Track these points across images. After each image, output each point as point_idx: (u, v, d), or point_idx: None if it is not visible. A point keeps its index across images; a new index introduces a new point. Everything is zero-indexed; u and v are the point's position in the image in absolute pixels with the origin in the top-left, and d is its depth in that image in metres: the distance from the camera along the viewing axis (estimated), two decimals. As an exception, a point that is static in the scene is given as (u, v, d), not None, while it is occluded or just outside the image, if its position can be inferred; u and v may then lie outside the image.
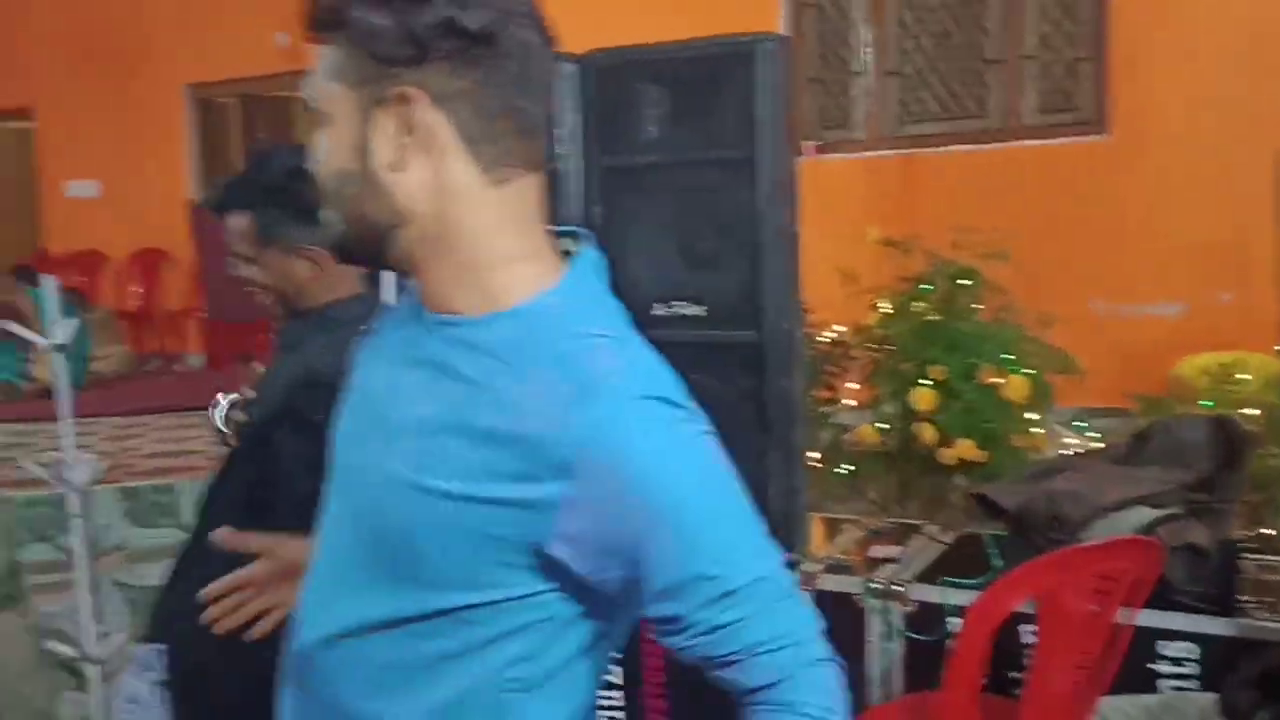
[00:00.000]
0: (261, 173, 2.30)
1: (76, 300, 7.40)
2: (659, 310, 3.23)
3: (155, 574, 2.93)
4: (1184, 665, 2.84)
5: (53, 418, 6.91)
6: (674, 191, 3.27)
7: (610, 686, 3.48)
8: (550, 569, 1.08)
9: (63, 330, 3.84)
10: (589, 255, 1.16)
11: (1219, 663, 2.74)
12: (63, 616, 4.14)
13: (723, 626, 1.06)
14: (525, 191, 1.11)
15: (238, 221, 2.27)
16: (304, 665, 1.22)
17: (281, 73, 9.99)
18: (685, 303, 3.37)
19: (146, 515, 4.81)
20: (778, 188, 3.23)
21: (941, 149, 5.79)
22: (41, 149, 10.11)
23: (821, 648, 1.11)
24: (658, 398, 1.06)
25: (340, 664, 1.17)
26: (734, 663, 1.08)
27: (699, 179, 3.22)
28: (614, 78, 3.39)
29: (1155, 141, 5.31)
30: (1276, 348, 4.16)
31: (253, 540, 1.51)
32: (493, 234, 1.10)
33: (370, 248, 1.13)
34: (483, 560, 1.08)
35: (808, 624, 1.11)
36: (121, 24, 9.79)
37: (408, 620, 1.12)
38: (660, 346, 1.14)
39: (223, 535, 1.50)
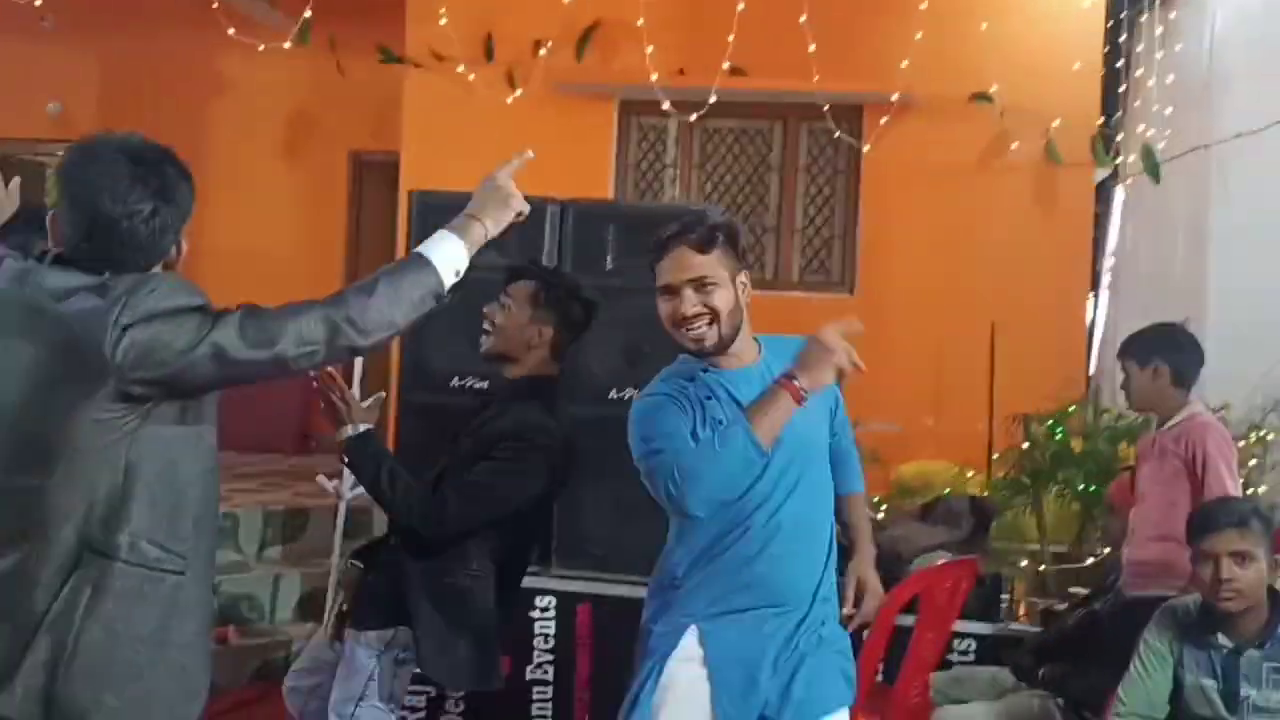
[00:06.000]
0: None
1: None
2: (612, 394, 4.46)
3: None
4: (967, 655, 4.34)
5: None
6: (624, 306, 4.40)
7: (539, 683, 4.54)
8: None
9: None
10: None
11: (986, 650, 4.29)
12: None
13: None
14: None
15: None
16: None
17: (47, 139, 10.19)
18: (629, 389, 4.61)
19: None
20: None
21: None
22: None
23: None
24: (654, 386, 2.70)
25: None
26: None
27: (645, 300, 4.39)
28: (585, 221, 4.61)
29: (887, 304, 6.91)
30: (995, 456, 5.86)
31: None
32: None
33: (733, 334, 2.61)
34: None
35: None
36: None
37: None
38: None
39: None
